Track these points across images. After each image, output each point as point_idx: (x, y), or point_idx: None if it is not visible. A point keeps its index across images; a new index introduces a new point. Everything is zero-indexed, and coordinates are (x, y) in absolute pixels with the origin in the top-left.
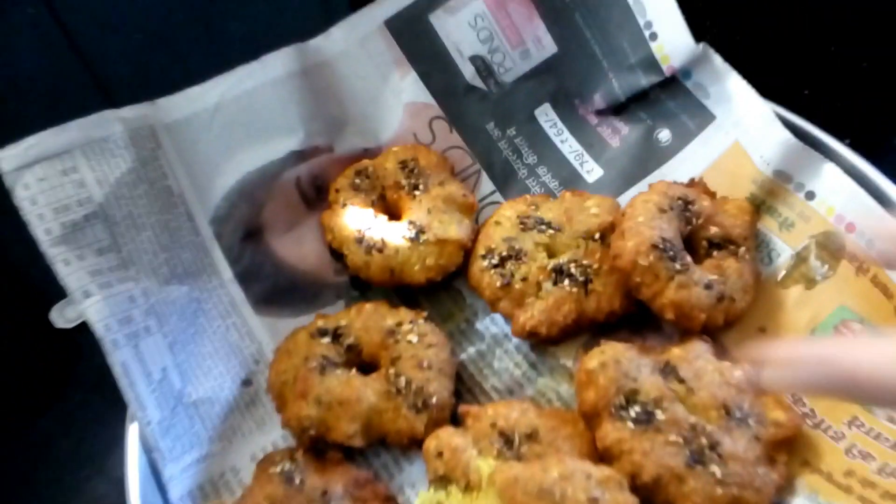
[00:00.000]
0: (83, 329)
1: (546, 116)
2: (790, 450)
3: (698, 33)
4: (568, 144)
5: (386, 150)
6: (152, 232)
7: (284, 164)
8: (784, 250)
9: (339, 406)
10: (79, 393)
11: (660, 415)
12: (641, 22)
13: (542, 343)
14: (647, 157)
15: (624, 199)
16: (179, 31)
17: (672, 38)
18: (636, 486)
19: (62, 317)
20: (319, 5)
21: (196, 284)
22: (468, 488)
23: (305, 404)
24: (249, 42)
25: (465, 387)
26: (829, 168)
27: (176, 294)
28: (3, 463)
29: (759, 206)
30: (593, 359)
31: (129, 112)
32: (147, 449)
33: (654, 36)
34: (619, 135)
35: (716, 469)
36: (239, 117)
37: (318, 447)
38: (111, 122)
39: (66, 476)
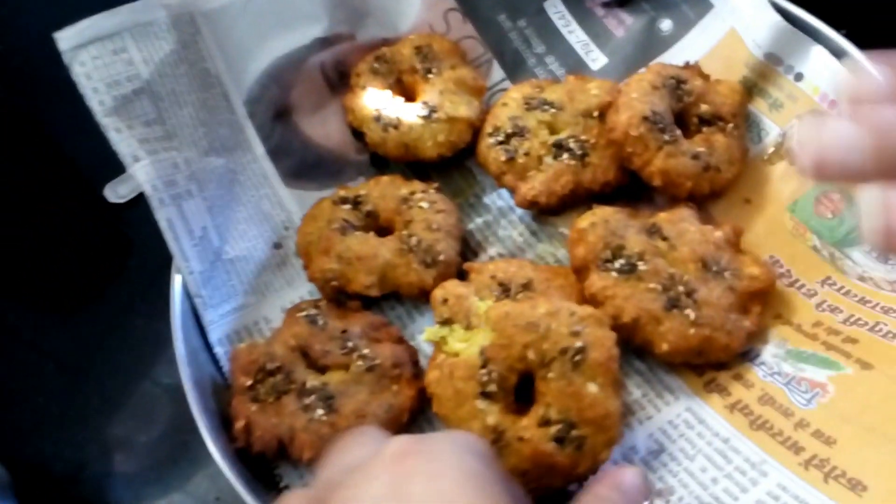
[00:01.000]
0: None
1: (555, 8)
2: (764, 302)
3: None
4: (575, 35)
5: (404, 38)
6: (193, 108)
7: (310, 50)
8: (772, 129)
9: (358, 261)
10: (126, 287)
11: (642, 266)
12: None
13: (542, 213)
14: (650, 46)
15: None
16: None
17: None
18: (617, 327)
19: (115, 192)
20: None
21: (232, 158)
22: (468, 328)
23: (328, 259)
24: None
25: (471, 253)
26: (817, 50)
27: (214, 165)
28: (73, 338)
29: (751, 88)
30: (585, 219)
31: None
32: (190, 295)
33: None
34: (624, 25)
35: (690, 312)
36: (269, 6)
37: (339, 299)
38: (156, 8)
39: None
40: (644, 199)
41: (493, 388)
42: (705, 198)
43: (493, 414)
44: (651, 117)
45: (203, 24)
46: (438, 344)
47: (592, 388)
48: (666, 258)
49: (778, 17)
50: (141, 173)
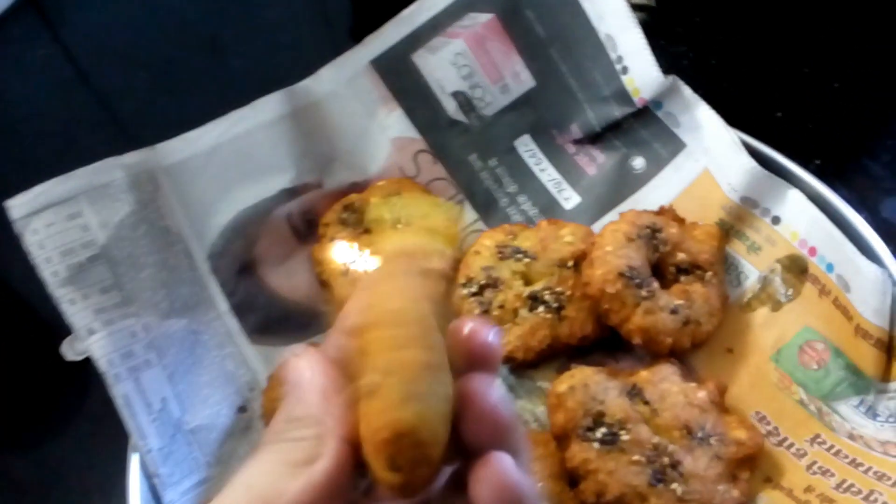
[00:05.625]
0: (91, 363)
1: (525, 146)
2: (752, 467)
3: (675, 59)
4: (547, 173)
5: (372, 185)
6: (152, 270)
7: (276, 201)
8: (752, 273)
9: None
10: (85, 424)
11: (624, 435)
12: (613, 57)
13: (519, 367)
14: (622, 184)
15: (599, 225)
16: (185, 64)
17: (642, 72)
18: None
19: (72, 350)
20: (321, 37)
21: (194, 317)
22: None
23: None
24: (252, 72)
25: None
26: (793, 194)
27: (175, 327)
28: (9, 488)
29: (728, 230)
30: (563, 383)
31: (130, 158)
32: (148, 475)
33: (625, 70)
34: (596, 163)
35: (677, 487)
36: (233, 159)
37: None
38: (113, 169)
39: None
40: (622, 348)
41: None
42: (687, 351)
43: None
44: (627, 273)
45: (163, 179)
46: None
47: None
48: (649, 425)
49: (751, 162)
50: (96, 348)
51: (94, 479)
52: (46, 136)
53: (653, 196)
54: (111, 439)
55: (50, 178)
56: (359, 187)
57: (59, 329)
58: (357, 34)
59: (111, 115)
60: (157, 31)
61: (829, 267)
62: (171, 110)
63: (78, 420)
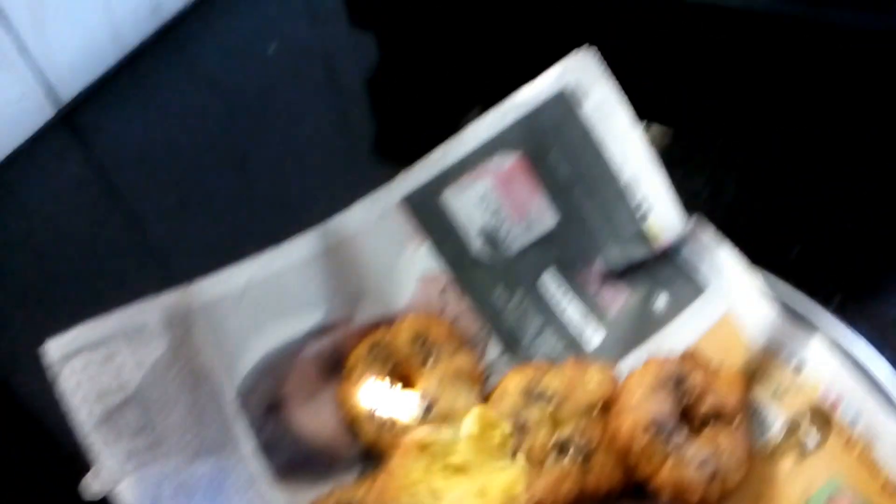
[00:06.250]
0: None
1: (549, 282)
2: None
3: (692, 193)
4: (570, 309)
5: (399, 322)
6: (182, 410)
7: (306, 338)
8: (775, 420)
9: None
10: None
11: None
12: (635, 200)
13: None
14: (645, 324)
15: (623, 365)
16: (214, 184)
17: (663, 216)
18: None
19: (93, 486)
20: (345, 154)
21: (220, 458)
22: None
23: None
24: (277, 193)
25: None
26: (815, 342)
27: (202, 470)
28: None
29: (752, 375)
30: None
31: (166, 299)
32: None
33: (647, 213)
34: (618, 301)
35: None
36: (266, 297)
37: None
38: (150, 310)
39: None
40: (646, 495)
41: None
42: (713, 502)
43: None
44: (654, 425)
45: (197, 318)
46: None
47: None
48: None
49: (774, 309)
50: (125, 493)
51: None
52: (74, 259)
53: (675, 337)
54: None
55: (77, 304)
56: (387, 321)
57: (81, 461)
58: (380, 150)
59: (141, 237)
60: (188, 150)
61: (854, 420)
62: (199, 232)
63: None
